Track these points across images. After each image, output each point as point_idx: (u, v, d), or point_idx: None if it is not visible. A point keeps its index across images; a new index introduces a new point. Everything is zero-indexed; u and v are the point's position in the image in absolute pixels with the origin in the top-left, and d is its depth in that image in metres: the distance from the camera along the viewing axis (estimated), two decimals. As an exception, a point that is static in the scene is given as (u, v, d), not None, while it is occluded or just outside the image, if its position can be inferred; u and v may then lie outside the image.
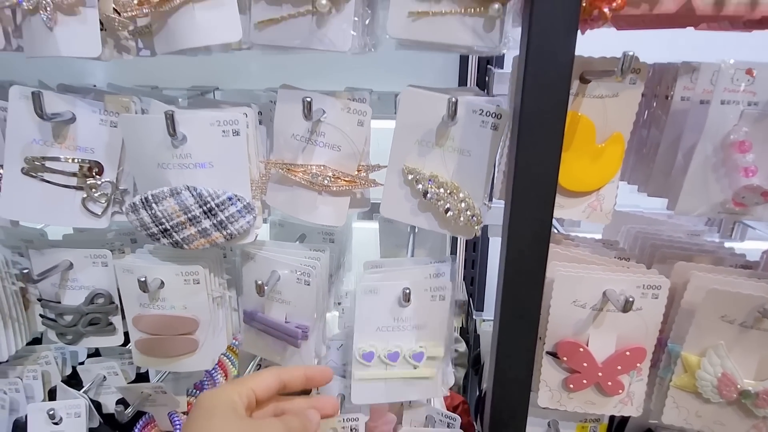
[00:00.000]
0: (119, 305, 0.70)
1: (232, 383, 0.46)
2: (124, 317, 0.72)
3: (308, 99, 0.55)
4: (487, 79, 0.99)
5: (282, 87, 0.60)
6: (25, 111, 0.57)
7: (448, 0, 0.50)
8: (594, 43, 0.54)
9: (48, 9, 0.51)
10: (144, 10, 0.52)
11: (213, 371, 0.88)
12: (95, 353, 0.88)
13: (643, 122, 0.68)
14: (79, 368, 0.82)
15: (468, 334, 1.09)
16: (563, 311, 0.61)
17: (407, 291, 0.59)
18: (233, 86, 1.07)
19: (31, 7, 0.51)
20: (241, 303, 0.74)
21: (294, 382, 0.48)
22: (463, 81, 1.07)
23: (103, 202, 0.62)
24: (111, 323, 0.71)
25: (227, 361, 0.92)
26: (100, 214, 0.63)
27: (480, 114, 0.54)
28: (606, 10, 0.50)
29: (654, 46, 0.64)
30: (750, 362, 0.58)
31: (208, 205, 0.57)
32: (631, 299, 0.55)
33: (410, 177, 0.57)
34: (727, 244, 0.72)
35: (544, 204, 0.51)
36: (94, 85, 0.89)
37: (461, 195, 0.56)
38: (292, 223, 0.81)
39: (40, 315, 0.73)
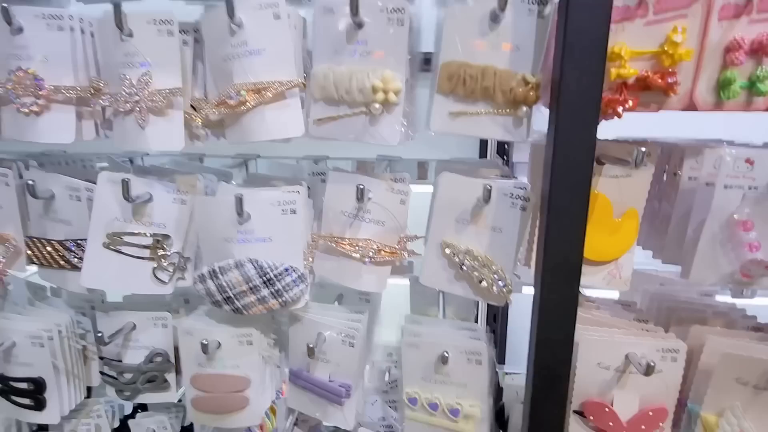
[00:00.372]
0: (174, 363, 0.76)
1: None
2: (177, 373, 0.78)
3: (361, 186, 0.62)
4: (506, 146, 1.07)
5: (333, 170, 0.68)
6: (111, 193, 0.66)
7: (483, 102, 0.58)
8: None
9: (142, 111, 0.60)
10: (222, 110, 0.61)
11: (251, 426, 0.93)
12: (141, 406, 0.93)
13: (654, 194, 0.75)
14: (130, 422, 0.87)
15: (490, 386, 1.13)
16: (588, 372, 0.66)
17: (446, 354, 0.65)
18: (272, 152, 1.16)
19: (128, 109, 0.60)
20: (284, 361, 0.79)
21: None
22: (483, 146, 1.15)
23: (171, 271, 0.69)
24: (166, 380, 0.77)
25: (264, 416, 0.96)
26: (167, 281, 0.70)
27: (510, 197, 0.61)
28: (620, 109, 0.58)
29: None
30: (765, 422, 0.62)
31: (268, 276, 0.64)
32: (652, 364, 0.60)
33: (448, 251, 0.64)
34: (739, 302, 0.77)
35: (570, 277, 0.57)
36: (147, 153, 0.99)
37: (494, 267, 0.63)
38: (330, 284, 0.88)
39: (101, 372, 0.79)
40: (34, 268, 0.75)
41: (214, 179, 0.74)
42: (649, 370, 0.61)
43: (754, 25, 0.56)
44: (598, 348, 0.65)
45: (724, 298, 0.83)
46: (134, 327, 0.75)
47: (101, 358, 0.77)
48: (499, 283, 0.63)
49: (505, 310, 1.20)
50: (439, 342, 0.67)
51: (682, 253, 0.67)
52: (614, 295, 0.85)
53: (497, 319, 1.19)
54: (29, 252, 0.71)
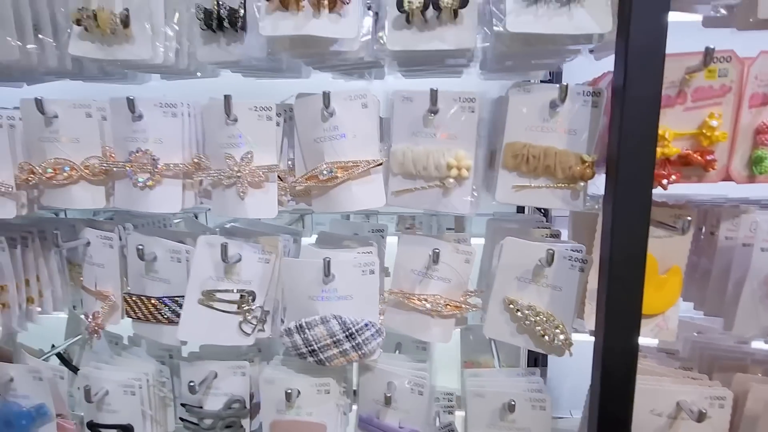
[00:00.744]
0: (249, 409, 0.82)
1: None
2: (251, 419, 0.83)
3: (437, 250, 0.70)
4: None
5: (404, 232, 0.76)
6: (207, 255, 0.74)
7: (544, 178, 0.66)
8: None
9: (243, 185, 0.68)
10: (312, 183, 0.69)
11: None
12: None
13: (693, 250, 0.82)
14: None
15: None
16: (643, 419, 0.71)
17: (513, 403, 0.71)
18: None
19: (230, 183, 0.69)
20: (348, 407, 0.85)
21: None
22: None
23: (254, 323, 0.76)
24: (242, 426, 0.83)
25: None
26: (250, 333, 0.77)
27: (570, 259, 0.68)
28: (665, 182, 0.66)
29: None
30: (812, 467, 0.67)
31: (350, 331, 0.71)
32: (704, 411, 0.66)
33: (511, 306, 0.71)
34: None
35: (629, 333, 0.63)
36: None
37: (556, 322, 0.70)
38: (389, 333, 0.94)
39: (181, 419, 0.85)
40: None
41: (290, 239, 0.82)
42: (701, 417, 0.66)
43: (780, 110, 0.64)
44: (651, 396, 0.71)
45: (757, 344, 0.89)
46: (216, 375, 0.81)
47: (183, 405, 0.83)
48: (561, 336, 0.69)
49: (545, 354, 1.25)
50: (505, 391, 0.73)
51: (723, 307, 0.74)
52: (653, 341, 0.91)
53: (537, 363, 1.24)
54: (127, 308, 0.78)
